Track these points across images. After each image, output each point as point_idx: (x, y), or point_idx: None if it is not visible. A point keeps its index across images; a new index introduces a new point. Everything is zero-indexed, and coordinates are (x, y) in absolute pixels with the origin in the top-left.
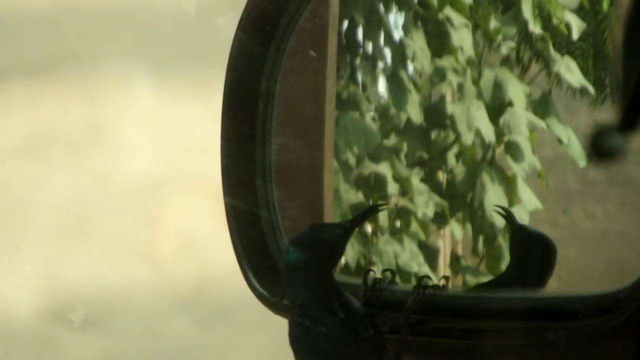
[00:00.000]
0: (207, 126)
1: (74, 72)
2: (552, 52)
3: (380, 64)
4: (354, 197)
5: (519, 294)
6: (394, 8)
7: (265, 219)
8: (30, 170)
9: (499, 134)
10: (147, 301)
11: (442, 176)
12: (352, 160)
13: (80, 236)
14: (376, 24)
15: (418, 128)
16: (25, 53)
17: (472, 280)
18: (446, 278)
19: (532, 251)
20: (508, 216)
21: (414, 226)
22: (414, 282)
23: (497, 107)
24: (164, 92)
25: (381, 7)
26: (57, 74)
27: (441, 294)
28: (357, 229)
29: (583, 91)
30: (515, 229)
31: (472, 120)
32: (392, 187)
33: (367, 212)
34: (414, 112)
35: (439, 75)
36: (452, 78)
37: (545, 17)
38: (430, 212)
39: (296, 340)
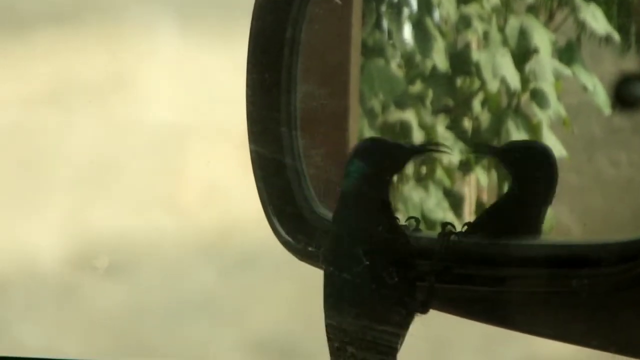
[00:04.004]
0: (232, 74)
1: (97, 20)
2: None
3: (406, 11)
4: None
5: (543, 241)
6: None
7: (290, 166)
8: (54, 119)
9: (525, 81)
10: (171, 249)
11: (467, 123)
12: (377, 108)
13: (104, 184)
14: None
15: (443, 75)
16: (48, 1)
17: None
18: (468, 224)
19: (528, 162)
20: (488, 150)
21: (439, 173)
22: (439, 229)
23: (522, 54)
24: (188, 41)
25: None
26: (80, 23)
27: (466, 241)
28: None
29: (608, 39)
30: (499, 151)
31: (498, 67)
32: (418, 134)
33: (432, 147)
34: (439, 59)
35: (465, 22)
36: (478, 25)
37: None
38: (455, 159)
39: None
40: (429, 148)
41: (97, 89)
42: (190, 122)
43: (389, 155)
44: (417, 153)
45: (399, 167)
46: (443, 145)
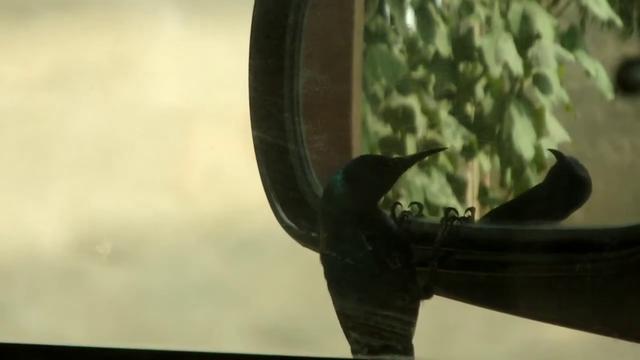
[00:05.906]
0: (234, 59)
1: (100, 5)
2: None
3: None
4: (382, 129)
5: (546, 226)
6: None
7: (293, 151)
8: (57, 103)
9: (527, 66)
10: (174, 234)
11: (470, 109)
12: (380, 93)
13: (107, 169)
14: None
15: (446, 60)
16: None
17: None
18: (471, 209)
19: (567, 176)
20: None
21: (442, 159)
22: (442, 214)
23: (525, 39)
24: (191, 25)
25: None
26: (84, 7)
27: (469, 227)
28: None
29: (611, 23)
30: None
31: (500, 52)
32: (420, 120)
33: (423, 153)
34: (442, 44)
35: (467, 7)
36: (480, 10)
37: None
38: (458, 144)
39: (325, 272)
40: (420, 156)
41: (100, 73)
42: (193, 107)
43: (373, 172)
44: (406, 167)
45: (386, 184)
46: (436, 148)
